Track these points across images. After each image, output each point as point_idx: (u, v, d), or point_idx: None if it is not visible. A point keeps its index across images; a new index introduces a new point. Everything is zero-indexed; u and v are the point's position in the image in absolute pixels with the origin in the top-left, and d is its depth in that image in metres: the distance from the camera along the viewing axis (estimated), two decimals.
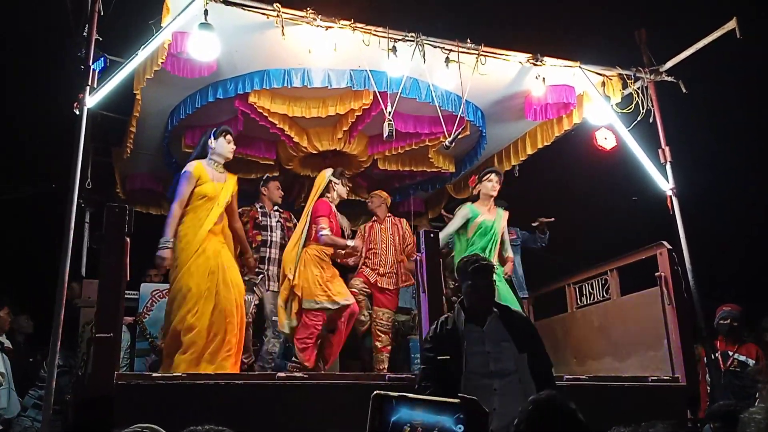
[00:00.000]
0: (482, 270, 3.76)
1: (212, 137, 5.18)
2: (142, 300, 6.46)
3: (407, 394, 1.71)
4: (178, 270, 4.71)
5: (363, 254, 6.25)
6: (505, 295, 5.42)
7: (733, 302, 6.26)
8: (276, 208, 6.23)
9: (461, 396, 1.73)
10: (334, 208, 5.72)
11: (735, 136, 9.37)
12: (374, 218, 6.51)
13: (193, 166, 5.02)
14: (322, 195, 5.73)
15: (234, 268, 4.98)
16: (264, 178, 6.31)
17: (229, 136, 5.23)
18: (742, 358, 6.01)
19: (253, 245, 5.89)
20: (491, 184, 5.83)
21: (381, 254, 6.23)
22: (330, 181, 5.75)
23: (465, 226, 5.75)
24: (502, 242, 5.87)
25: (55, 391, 3.68)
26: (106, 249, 3.91)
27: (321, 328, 5.34)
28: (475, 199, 5.94)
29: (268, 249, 5.98)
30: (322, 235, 5.43)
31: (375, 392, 1.67)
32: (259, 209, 6.09)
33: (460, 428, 1.67)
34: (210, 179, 5.03)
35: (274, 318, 5.73)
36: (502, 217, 5.88)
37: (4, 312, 5.96)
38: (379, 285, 6.15)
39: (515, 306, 5.32)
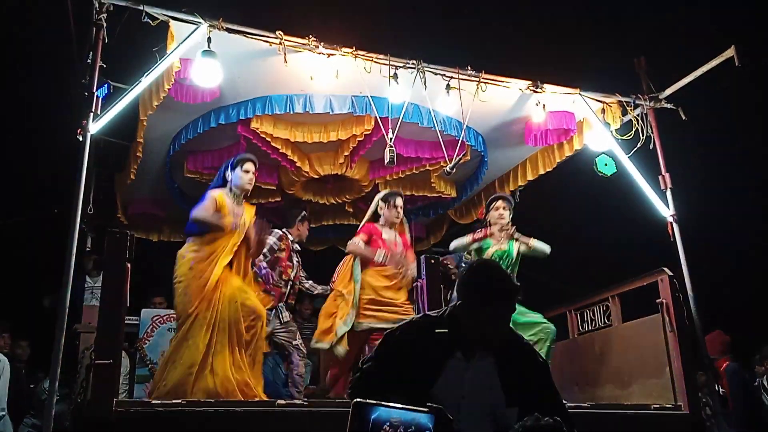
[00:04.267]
0: (508, 293, 2.59)
1: (229, 168, 4.95)
2: (143, 326, 6.43)
3: (384, 402, 1.87)
4: (186, 310, 4.53)
5: None
6: None
7: (735, 328, 6.26)
8: (297, 246, 6.07)
9: (428, 405, 1.94)
10: (384, 232, 5.52)
11: (735, 163, 9.40)
12: None
13: (218, 193, 4.85)
14: (372, 219, 5.62)
15: (247, 293, 4.78)
16: (303, 215, 6.12)
17: (248, 165, 4.93)
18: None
19: (284, 276, 5.79)
20: (498, 213, 5.62)
21: None
22: (378, 206, 5.60)
23: (479, 253, 5.57)
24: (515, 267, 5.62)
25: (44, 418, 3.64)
26: (107, 275, 3.91)
27: None
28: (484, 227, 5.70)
29: (286, 283, 5.91)
30: (349, 242, 5.43)
31: (355, 400, 1.85)
32: (292, 244, 5.92)
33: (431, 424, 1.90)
34: (229, 212, 4.82)
35: (295, 342, 5.67)
36: (513, 245, 5.60)
37: (2, 337, 5.94)
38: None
39: None
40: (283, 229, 5.86)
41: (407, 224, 5.82)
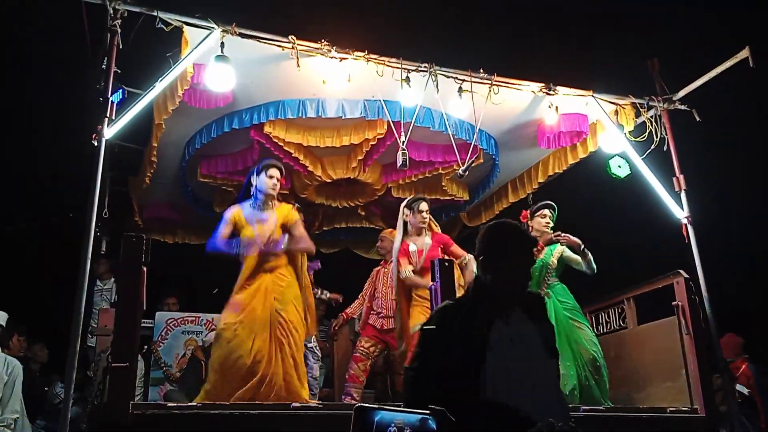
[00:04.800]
0: (525, 241, 2.70)
1: (255, 174, 4.90)
2: (157, 329, 6.49)
3: (385, 406, 1.89)
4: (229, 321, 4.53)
5: (367, 302, 6.17)
6: None
7: (750, 331, 6.22)
8: None
9: (431, 408, 1.98)
10: (411, 244, 5.48)
11: (750, 164, 9.33)
12: (382, 262, 6.40)
13: (230, 212, 4.84)
14: (404, 232, 5.56)
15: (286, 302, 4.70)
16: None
17: (272, 170, 4.86)
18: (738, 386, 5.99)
19: None
20: (545, 221, 5.60)
21: (381, 297, 6.04)
22: (404, 215, 5.55)
23: None
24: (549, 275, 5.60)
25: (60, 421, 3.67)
26: (123, 278, 3.94)
27: None
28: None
29: None
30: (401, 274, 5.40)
31: (357, 405, 1.88)
32: None
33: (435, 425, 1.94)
34: (247, 223, 4.78)
35: (309, 345, 5.68)
36: (552, 252, 5.58)
37: (16, 338, 5.97)
38: (387, 328, 5.90)
39: None
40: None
41: (437, 224, 5.78)
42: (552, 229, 5.61)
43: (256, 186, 4.85)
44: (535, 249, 2.89)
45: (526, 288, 2.69)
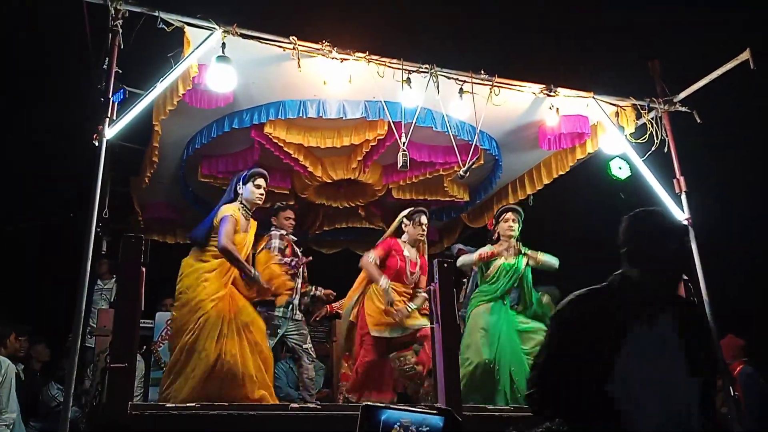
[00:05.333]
0: (678, 233, 2.42)
1: (240, 182, 5.00)
2: (157, 329, 6.49)
3: (392, 405, 1.91)
4: (194, 320, 4.57)
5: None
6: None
7: (750, 333, 6.21)
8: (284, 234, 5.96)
9: (437, 407, 1.98)
10: (405, 249, 5.58)
11: (751, 166, 9.32)
12: None
13: (232, 210, 4.88)
14: (395, 235, 5.67)
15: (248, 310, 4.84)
16: (275, 207, 6.07)
17: (259, 180, 5.03)
18: None
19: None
20: (507, 225, 5.60)
21: None
22: (402, 222, 5.66)
23: (486, 268, 5.57)
24: (526, 285, 5.60)
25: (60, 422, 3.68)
26: (123, 278, 3.94)
27: None
28: (495, 241, 5.68)
29: (293, 277, 5.87)
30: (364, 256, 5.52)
31: (364, 404, 1.88)
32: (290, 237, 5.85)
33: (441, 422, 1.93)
34: (241, 230, 4.90)
35: (305, 346, 5.69)
36: (522, 260, 5.56)
37: (12, 337, 5.94)
38: None
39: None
40: (278, 231, 5.71)
41: (427, 245, 5.84)
42: (519, 233, 5.61)
43: (242, 194, 4.97)
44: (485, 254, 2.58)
45: (676, 287, 2.44)
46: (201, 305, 4.58)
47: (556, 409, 2.21)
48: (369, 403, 1.97)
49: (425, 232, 5.60)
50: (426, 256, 5.76)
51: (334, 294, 6.23)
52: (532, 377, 2.34)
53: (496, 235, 5.68)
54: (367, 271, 5.52)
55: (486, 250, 5.57)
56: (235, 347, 4.51)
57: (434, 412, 2.02)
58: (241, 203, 4.98)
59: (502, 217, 5.70)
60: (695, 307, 2.64)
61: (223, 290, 4.69)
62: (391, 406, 2.01)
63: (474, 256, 5.56)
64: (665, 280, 2.36)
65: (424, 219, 5.57)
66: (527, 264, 5.56)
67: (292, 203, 6.72)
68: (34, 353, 6.58)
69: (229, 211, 4.86)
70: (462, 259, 5.59)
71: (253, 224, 5.11)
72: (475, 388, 5.14)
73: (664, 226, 2.40)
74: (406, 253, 5.53)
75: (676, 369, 2.25)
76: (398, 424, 1.93)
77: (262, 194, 5.02)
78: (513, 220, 5.61)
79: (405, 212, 5.67)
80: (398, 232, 5.67)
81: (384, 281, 5.32)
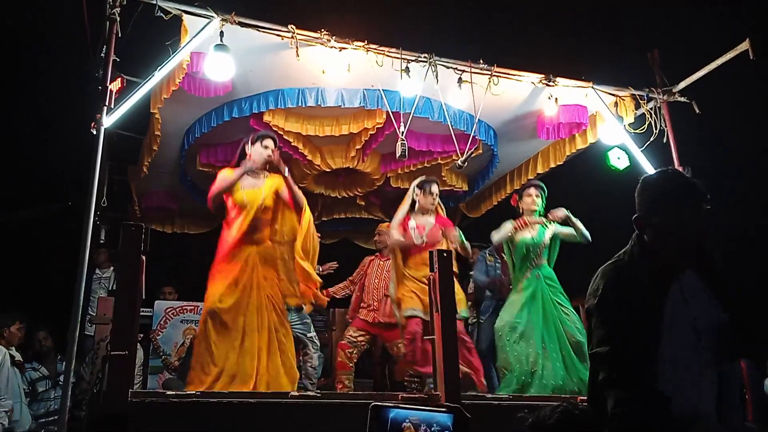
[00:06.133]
0: (701, 194, 2.32)
1: (249, 143, 4.85)
2: (156, 317, 6.50)
3: (401, 404, 1.90)
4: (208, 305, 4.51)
5: (357, 291, 6.21)
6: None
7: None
8: None
9: (446, 404, 1.98)
10: (412, 219, 5.45)
11: (750, 157, 9.33)
12: (377, 253, 6.45)
13: (226, 171, 4.77)
14: (409, 210, 5.53)
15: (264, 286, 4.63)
16: None
17: (267, 141, 4.81)
18: None
19: None
20: (531, 199, 5.53)
21: (372, 290, 6.10)
22: (414, 193, 5.53)
23: (511, 244, 5.51)
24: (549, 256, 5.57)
25: (53, 407, 3.69)
26: (123, 267, 3.94)
27: None
28: (517, 215, 5.60)
29: None
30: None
31: (372, 404, 1.88)
32: None
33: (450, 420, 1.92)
34: (240, 188, 4.70)
35: (309, 335, 5.69)
36: (545, 231, 5.50)
37: (15, 327, 5.99)
38: (377, 321, 5.94)
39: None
40: None
41: (443, 207, 5.73)
42: (542, 209, 5.57)
43: (250, 155, 4.80)
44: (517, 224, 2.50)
45: (694, 246, 2.33)
46: (222, 292, 4.52)
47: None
48: (376, 403, 1.97)
49: (436, 201, 5.49)
50: (443, 213, 5.63)
51: (336, 265, 6.22)
52: (605, 372, 2.22)
53: (521, 210, 5.60)
54: (398, 244, 5.37)
55: (519, 220, 5.52)
56: (254, 342, 4.44)
57: (443, 410, 2.02)
58: (247, 164, 4.78)
59: (525, 192, 5.63)
60: (713, 260, 2.43)
61: (240, 259, 4.58)
62: (400, 405, 2.01)
63: (507, 227, 5.47)
64: (683, 244, 2.30)
65: (435, 188, 5.47)
66: (551, 237, 5.51)
67: None
68: (38, 343, 6.58)
69: (223, 171, 4.76)
70: (497, 235, 5.47)
71: (272, 178, 4.86)
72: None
73: (678, 187, 2.32)
74: (411, 224, 5.41)
75: (714, 313, 2.27)
76: (407, 421, 1.94)
77: (270, 154, 4.82)
78: (536, 195, 5.55)
79: (416, 181, 5.54)
80: (411, 207, 5.51)
81: (416, 235, 5.28)
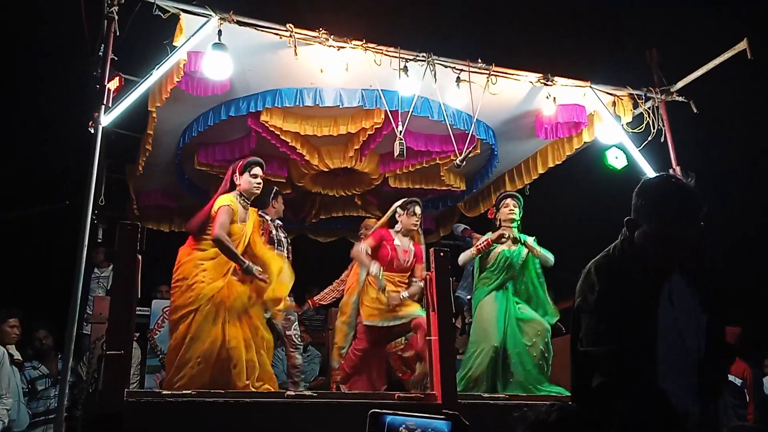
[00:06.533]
0: (698, 210, 2.30)
1: (237, 172, 4.93)
2: (153, 316, 6.50)
3: (399, 411, 1.91)
4: (190, 307, 4.55)
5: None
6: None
7: (740, 322, 6.23)
8: (278, 222, 5.98)
9: (444, 411, 1.97)
10: (397, 239, 5.56)
11: (748, 157, 9.33)
12: None
13: (230, 200, 4.81)
14: (388, 224, 5.66)
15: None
16: (274, 191, 6.07)
17: (256, 169, 4.95)
18: (730, 377, 6.04)
19: None
20: (508, 210, 5.55)
21: None
22: (395, 212, 5.63)
23: (486, 255, 5.55)
24: (532, 276, 5.56)
25: (53, 405, 3.70)
26: (119, 266, 3.94)
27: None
28: (495, 228, 5.64)
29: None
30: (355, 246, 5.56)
31: (371, 411, 1.88)
32: (271, 223, 5.77)
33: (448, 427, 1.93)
34: (238, 220, 4.84)
35: (288, 333, 5.68)
36: (523, 248, 5.50)
37: (8, 324, 5.94)
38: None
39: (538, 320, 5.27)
40: (259, 212, 5.56)
41: (422, 235, 5.82)
42: (518, 220, 5.58)
43: (240, 185, 4.91)
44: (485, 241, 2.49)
45: (684, 257, 2.31)
46: (200, 292, 4.56)
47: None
48: (376, 410, 1.98)
49: (419, 222, 5.61)
50: (422, 245, 5.74)
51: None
52: (605, 373, 2.24)
53: (498, 222, 5.64)
54: (359, 260, 5.53)
55: (482, 240, 5.57)
56: (238, 333, 4.52)
57: (441, 416, 2.02)
58: (239, 193, 4.92)
59: (502, 203, 5.66)
60: (705, 264, 2.44)
61: (221, 279, 4.67)
62: (398, 412, 2.01)
63: (472, 251, 5.55)
64: (672, 254, 2.30)
65: (417, 209, 5.58)
66: (527, 253, 5.54)
67: (288, 191, 6.73)
68: (39, 342, 6.57)
69: (226, 201, 4.81)
70: (462, 258, 5.57)
71: (253, 212, 5.07)
72: (490, 376, 5.17)
73: (678, 197, 2.30)
74: (396, 242, 5.52)
75: (696, 321, 2.28)
76: (403, 426, 1.94)
77: (259, 183, 4.97)
78: (513, 206, 5.58)
79: (399, 202, 5.65)
80: (391, 222, 5.65)
81: (375, 267, 5.31)
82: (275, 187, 6.08)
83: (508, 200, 5.65)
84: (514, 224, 5.55)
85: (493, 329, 5.24)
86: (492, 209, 5.88)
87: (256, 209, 5.18)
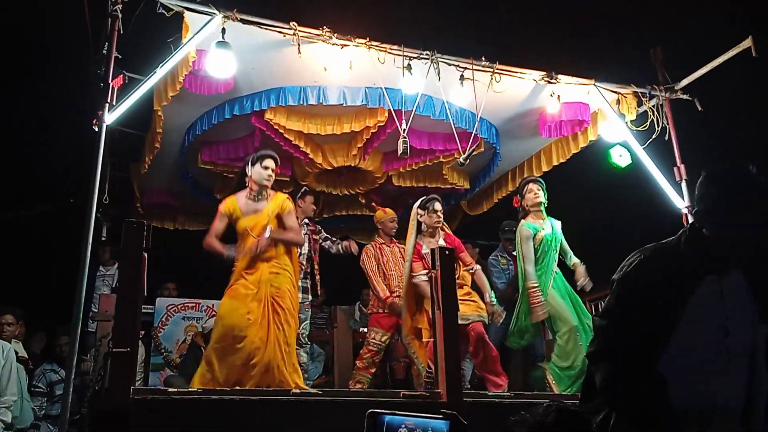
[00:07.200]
0: (760, 192, 2.23)
1: (249, 164, 4.81)
2: (158, 314, 6.51)
3: (398, 411, 1.92)
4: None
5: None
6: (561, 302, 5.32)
7: None
8: (305, 220, 6.00)
9: (442, 411, 1.97)
10: (425, 246, 5.29)
11: (752, 155, 9.32)
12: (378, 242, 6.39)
13: (224, 204, 4.76)
14: (417, 232, 5.40)
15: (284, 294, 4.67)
16: (302, 191, 6.10)
17: (267, 161, 4.77)
18: None
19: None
20: (533, 194, 5.43)
21: (390, 278, 5.89)
22: (417, 215, 5.39)
23: (534, 239, 5.37)
24: (564, 251, 5.52)
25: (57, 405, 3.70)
26: (125, 264, 3.94)
27: None
28: (525, 215, 5.49)
29: (306, 257, 5.82)
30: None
31: (369, 411, 1.89)
32: None
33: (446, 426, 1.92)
34: (242, 214, 4.71)
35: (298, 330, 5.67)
36: (555, 225, 5.46)
37: (4, 320, 5.91)
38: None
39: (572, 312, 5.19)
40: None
41: (447, 225, 5.66)
42: (545, 202, 5.47)
43: (251, 176, 4.77)
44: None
45: (752, 249, 2.21)
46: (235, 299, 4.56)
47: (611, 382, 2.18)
48: (374, 410, 1.99)
49: (441, 218, 5.40)
50: (450, 231, 5.60)
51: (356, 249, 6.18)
52: (593, 341, 2.30)
53: (525, 207, 5.51)
54: (422, 293, 5.20)
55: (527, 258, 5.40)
56: (264, 335, 4.46)
57: (439, 416, 2.02)
58: (250, 188, 4.79)
59: (525, 189, 5.52)
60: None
61: (253, 280, 4.59)
62: (397, 412, 2.02)
63: (528, 258, 5.37)
64: (738, 240, 2.20)
65: (437, 205, 5.36)
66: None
67: (291, 190, 6.73)
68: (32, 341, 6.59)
69: (222, 205, 4.77)
70: (528, 270, 5.36)
71: (275, 199, 4.82)
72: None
73: (741, 188, 2.23)
74: (425, 250, 5.26)
75: (748, 320, 2.18)
76: (403, 426, 1.95)
77: (270, 175, 4.79)
78: (537, 189, 5.46)
79: (417, 203, 5.43)
80: (418, 230, 5.39)
81: (424, 287, 5.08)
82: (305, 187, 6.08)
83: (532, 185, 5.52)
84: (542, 206, 5.44)
85: (566, 312, 5.18)
86: (516, 198, 5.74)
87: (286, 195, 4.95)
